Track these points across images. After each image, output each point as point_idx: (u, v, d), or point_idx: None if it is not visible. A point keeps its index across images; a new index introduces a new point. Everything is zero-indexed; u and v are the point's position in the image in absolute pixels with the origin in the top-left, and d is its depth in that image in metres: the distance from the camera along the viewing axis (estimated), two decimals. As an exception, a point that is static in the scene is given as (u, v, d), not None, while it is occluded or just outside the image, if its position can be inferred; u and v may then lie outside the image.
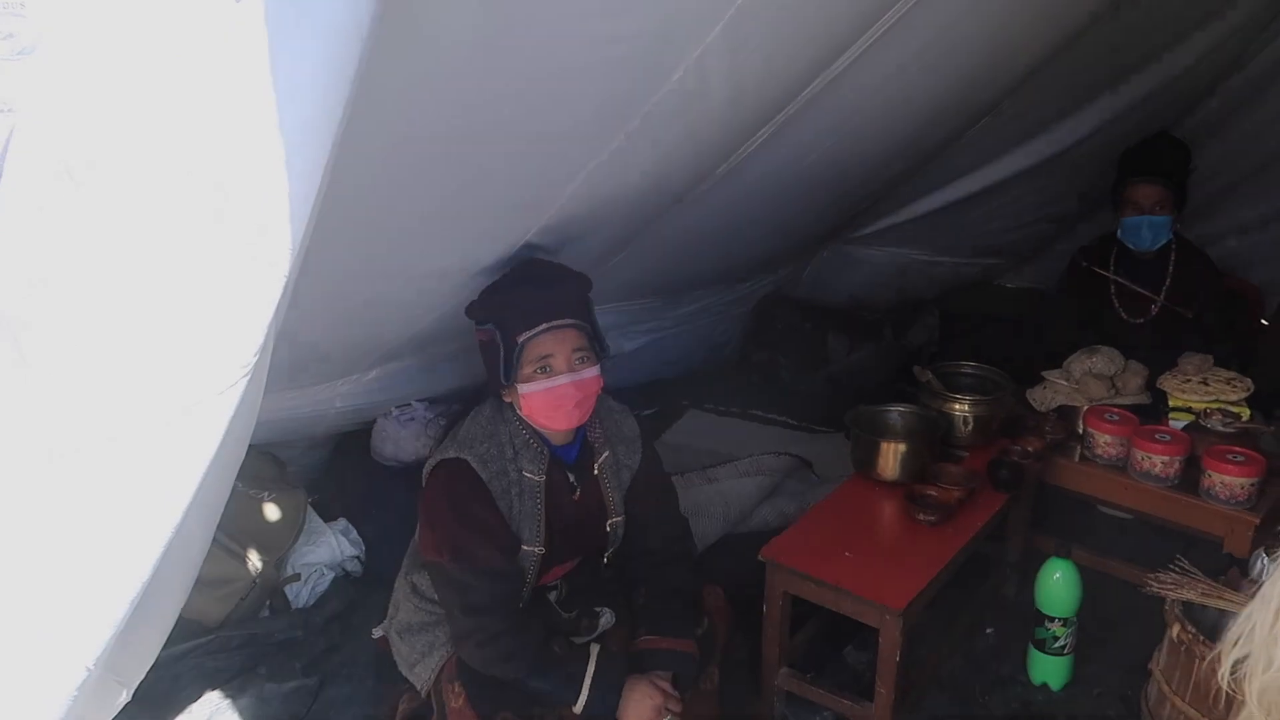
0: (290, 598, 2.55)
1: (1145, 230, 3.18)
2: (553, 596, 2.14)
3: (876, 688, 2.09)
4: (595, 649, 1.97)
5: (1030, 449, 2.52)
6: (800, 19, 1.73)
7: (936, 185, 3.63)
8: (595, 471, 2.07)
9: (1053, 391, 2.80)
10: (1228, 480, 2.39)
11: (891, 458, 2.38)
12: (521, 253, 2.11)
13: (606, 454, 2.08)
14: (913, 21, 1.88)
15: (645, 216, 2.45)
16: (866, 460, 2.43)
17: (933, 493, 2.30)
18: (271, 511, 2.52)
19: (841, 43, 1.90)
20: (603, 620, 2.13)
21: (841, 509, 2.34)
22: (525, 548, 1.98)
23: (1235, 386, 2.65)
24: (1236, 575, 2.25)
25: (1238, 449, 2.45)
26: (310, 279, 1.31)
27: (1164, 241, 3.23)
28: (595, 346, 1.99)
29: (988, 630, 2.58)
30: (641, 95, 1.69)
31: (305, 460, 2.88)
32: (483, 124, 1.54)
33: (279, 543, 2.51)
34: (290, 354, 2.01)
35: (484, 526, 1.93)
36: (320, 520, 2.67)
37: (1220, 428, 2.55)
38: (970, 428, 2.57)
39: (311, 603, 2.58)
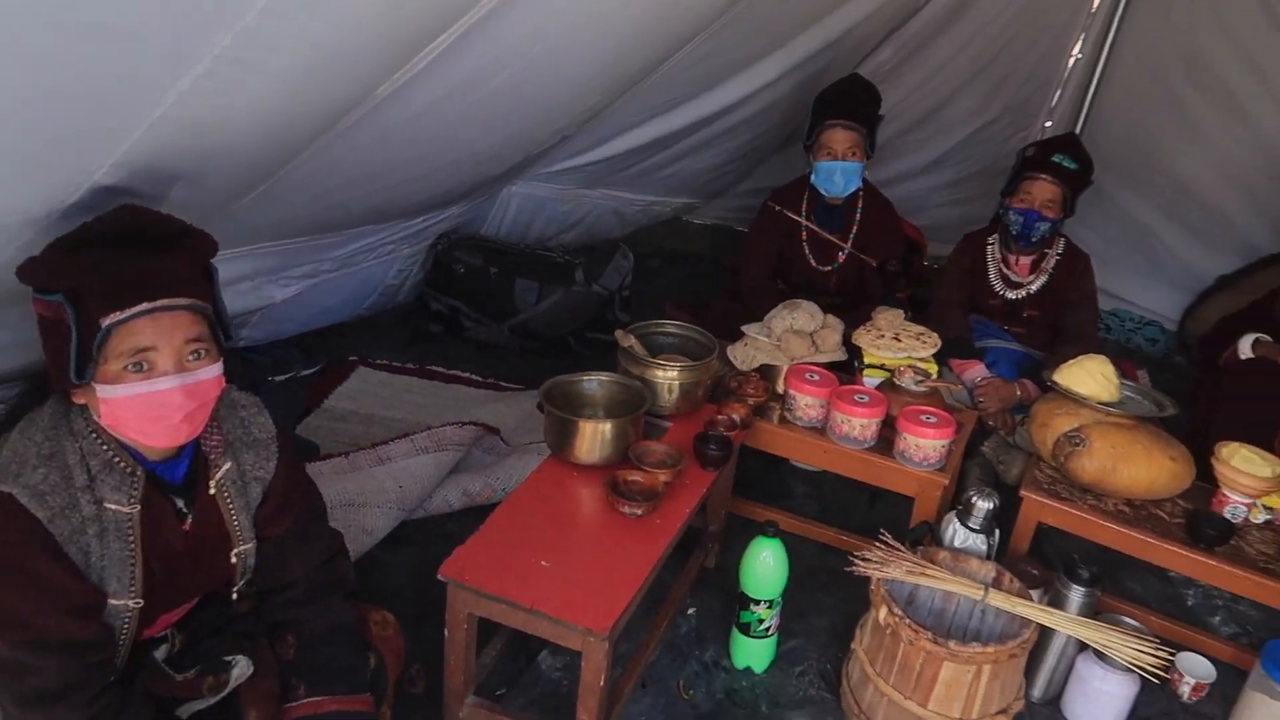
0: None
1: (838, 176, 3.11)
2: (160, 653, 1.62)
3: (579, 714, 1.80)
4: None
5: (737, 417, 2.33)
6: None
7: (629, 125, 3.36)
8: (212, 490, 1.56)
9: (754, 349, 2.64)
10: (921, 443, 2.34)
11: (591, 439, 2.08)
12: (98, 200, 1.51)
13: (228, 465, 1.58)
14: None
15: (284, 148, 1.91)
16: (562, 442, 2.11)
17: (637, 478, 2.03)
18: None
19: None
20: (235, 671, 1.65)
21: (534, 504, 2.01)
22: (114, 601, 1.45)
23: (925, 342, 2.63)
24: (931, 545, 2.21)
25: (929, 409, 2.42)
26: None
27: (855, 188, 3.19)
28: (217, 335, 1.47)
29: (689, 610, 2.40)
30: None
31: None
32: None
33: None
34: None
35: (44, 584, 1.37)
36: None
37: (913, 386, 2.52)
38: (676, 395, 2.33)
39: None
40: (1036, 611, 1.94)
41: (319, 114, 1.84)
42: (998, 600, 1.97)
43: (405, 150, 2.38)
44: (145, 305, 1.36)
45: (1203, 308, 4.10)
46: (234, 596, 1.68)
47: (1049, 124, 4.28)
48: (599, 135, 3.33)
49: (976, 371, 3.08)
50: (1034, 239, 3.09)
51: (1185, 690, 2.22)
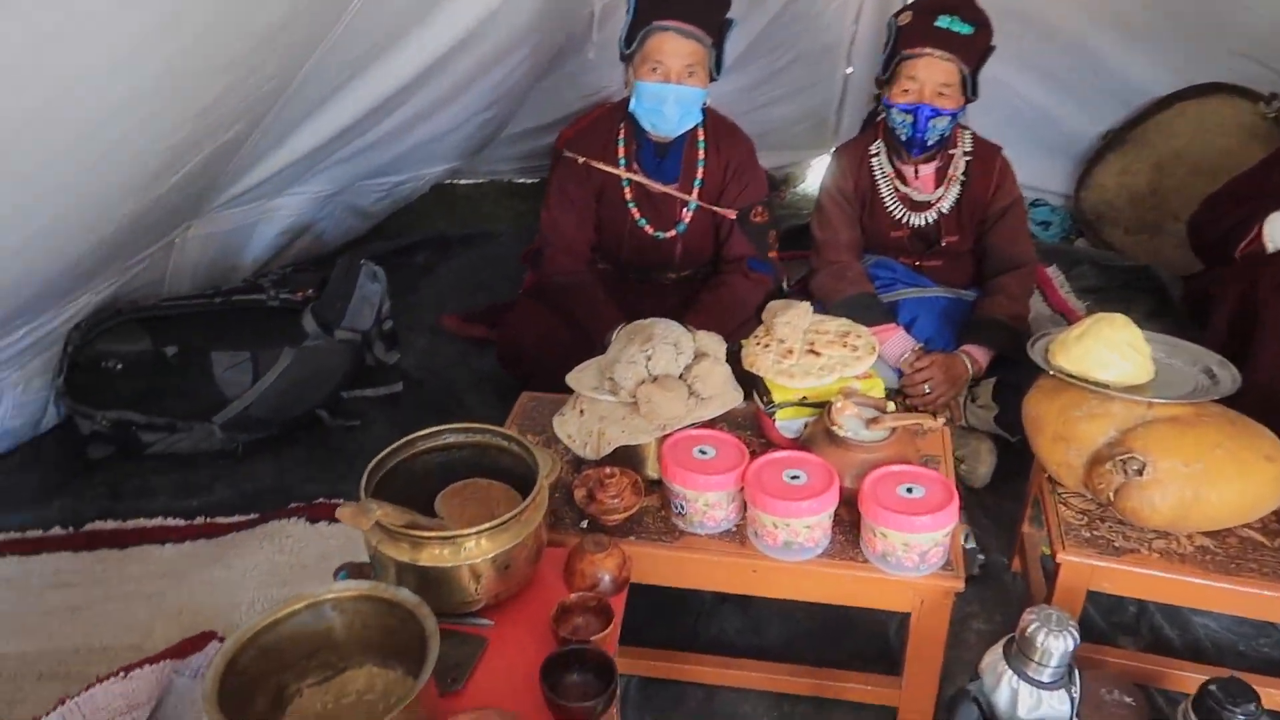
0: None
1: (671, 105, 2.10)
2: None
3: None
4: None
5: (608, 576, 1.30)
6: None
7: (329, 95, 2.20)
8: None
9: (597, 422, 1.58)
10: (912, 539, 1.39)
11: None
12: None
13: None
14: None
15: None
16: None
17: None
18: None
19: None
20: None
21: None
22: None
23: (855, 346, 1.66)
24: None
25: (906, 468, 1.47)
26: None
27: (694, 123, 2.18)
28: None
29: None
30: None
31: None
32: None
33: None
34: None
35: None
36: None
37: (864, 433, 1.55)
38: (488, 578, 1.25)
39: None
40: None
41: None
42: None
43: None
44: None
45: (1096, 174, 3.38)
46: None
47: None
48: (292, 121, 2.16)
49: (899, 343, 2.19)
50: (930, 141, 2.20)
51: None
